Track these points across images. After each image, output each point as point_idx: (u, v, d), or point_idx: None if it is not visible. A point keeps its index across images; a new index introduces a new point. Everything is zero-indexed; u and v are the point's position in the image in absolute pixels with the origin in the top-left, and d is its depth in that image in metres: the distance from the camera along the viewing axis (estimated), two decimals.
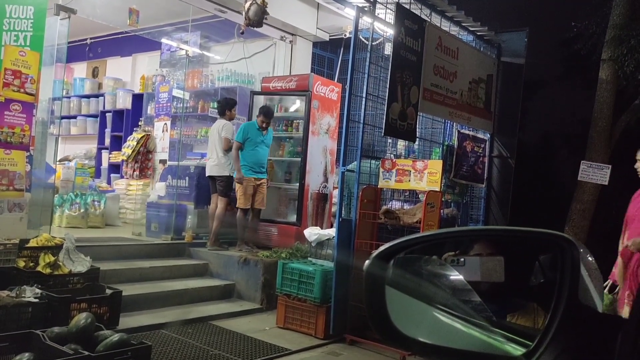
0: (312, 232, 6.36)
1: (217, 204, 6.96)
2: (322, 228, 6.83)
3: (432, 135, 6.56)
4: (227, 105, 7.26)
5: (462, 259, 1.04)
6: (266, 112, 6.97)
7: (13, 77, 5.34)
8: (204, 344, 4.86)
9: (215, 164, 6.99)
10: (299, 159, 7.42)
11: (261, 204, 6.99)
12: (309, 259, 5.97)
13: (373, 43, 5.52)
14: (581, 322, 0.79)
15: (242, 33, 7.06)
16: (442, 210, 5.43)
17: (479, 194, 7.05)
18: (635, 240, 4.03)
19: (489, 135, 6.91)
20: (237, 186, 6.91)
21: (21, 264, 4.89)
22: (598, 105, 7.57)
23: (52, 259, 4.93)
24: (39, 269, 4.81)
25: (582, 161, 6.88)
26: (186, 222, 7.33)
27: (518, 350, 0.84)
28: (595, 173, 6.70)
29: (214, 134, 7.12)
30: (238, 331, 5.31)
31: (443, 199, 5.59)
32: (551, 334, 0.78)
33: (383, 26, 5.72)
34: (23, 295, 4.22)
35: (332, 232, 5.88)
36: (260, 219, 7.19)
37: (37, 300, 4.20)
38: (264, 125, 6.90)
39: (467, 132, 6.54)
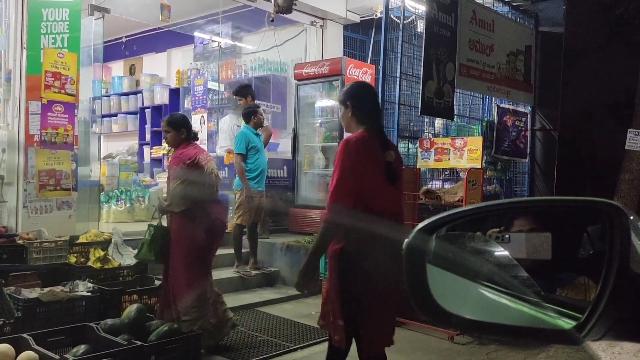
0: None
1: None
2: None
3: (471, 111, 6.44)
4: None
5: (507, 236, 1.00)
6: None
7: (53, 79, 5.49)
8: (252, 329, 4.94)
9: None
10: (336, 143, 7.39)
11: (260, 217, 6.34)
12: None
13: (405, 21, 5.43)
14: (634, 291, 0.76)
15: (272, 20, 7.04)
16: (484, 188, 5.34)
17: (523, 169, 6.88)
18: None
19: (530, 108, 6.73)
20: (239, 202, 6.12)
21: (72, 259, 5.06)
22: None
23: (102, 253, 5.09)
24: (89, 263, 4.98)
25: (629, 129, 6.63)
26: (228, 211, 7.40)
27: (569, 324, 0.81)
28: None
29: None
30: (285, 317, 5.37)
31: (485, 176, 5.49)
32: (602, 305, 0.75)
33: (414, 3, 5.62)
34: (76, 289, 4.37)
35: None
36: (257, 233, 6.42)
37: (89, 294, 4.35)
38: (257, 127, 6.18)
39: (506, 106, 6.38)
